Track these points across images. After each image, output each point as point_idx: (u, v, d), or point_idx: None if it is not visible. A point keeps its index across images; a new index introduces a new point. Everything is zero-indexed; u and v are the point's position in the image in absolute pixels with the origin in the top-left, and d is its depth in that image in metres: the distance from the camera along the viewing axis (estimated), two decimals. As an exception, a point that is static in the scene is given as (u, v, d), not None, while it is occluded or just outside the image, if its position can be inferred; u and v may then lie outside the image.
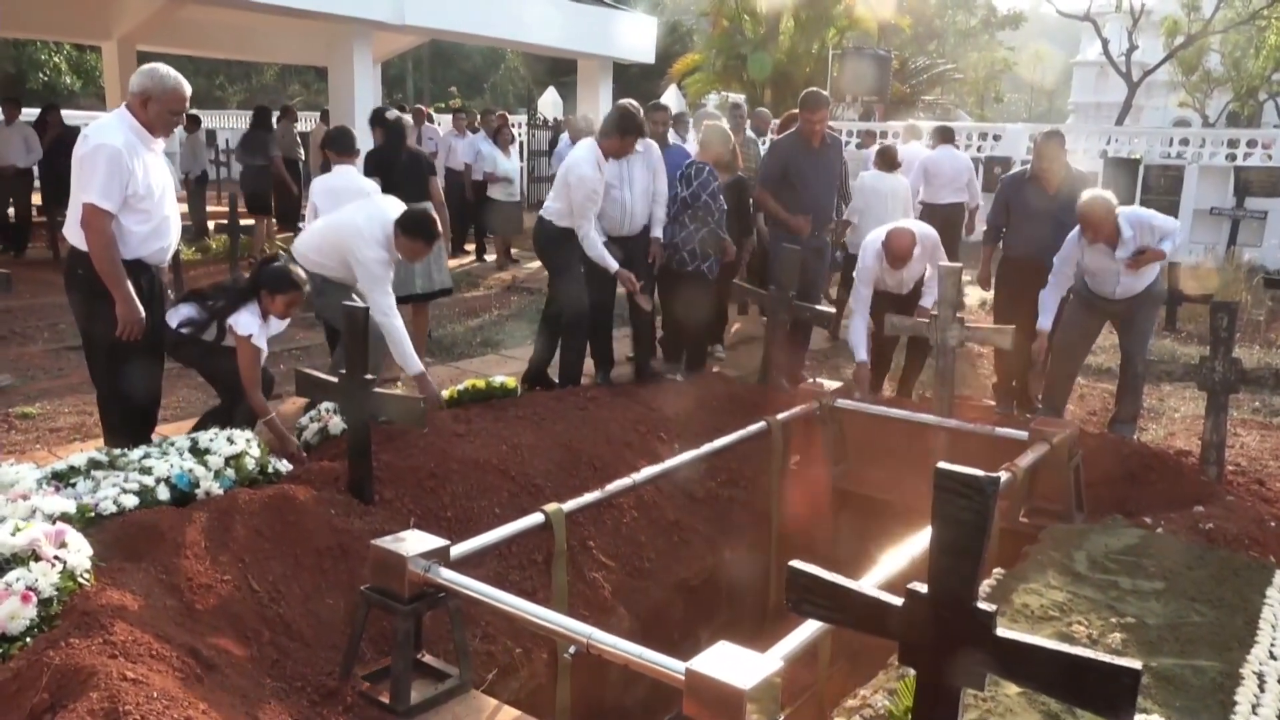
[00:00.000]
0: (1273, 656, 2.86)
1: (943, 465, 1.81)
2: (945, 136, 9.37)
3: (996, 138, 15.11)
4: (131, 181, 3.65)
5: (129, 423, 4.01)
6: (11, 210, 10.74)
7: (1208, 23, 23.27)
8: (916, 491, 4.62)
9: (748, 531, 4.37)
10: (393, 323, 4.42)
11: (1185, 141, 14.09)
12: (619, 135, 5.02)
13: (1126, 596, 3.16)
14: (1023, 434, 4.20)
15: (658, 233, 5.55)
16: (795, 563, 1.99)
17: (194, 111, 14.65)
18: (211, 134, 18.67)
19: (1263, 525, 3.75)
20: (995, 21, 31.64)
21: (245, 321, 3.97)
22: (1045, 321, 5.18)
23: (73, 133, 10.05)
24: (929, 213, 8.35)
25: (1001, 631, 1.77)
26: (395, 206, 4.65)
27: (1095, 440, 4.61)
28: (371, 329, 4.25)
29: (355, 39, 10.32)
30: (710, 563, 4.14)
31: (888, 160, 7.41)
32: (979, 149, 14.98)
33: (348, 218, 4.66)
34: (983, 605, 1.78)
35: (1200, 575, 3.31)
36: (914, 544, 3.03)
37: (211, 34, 14.13)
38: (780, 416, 4.40)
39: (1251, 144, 13.34)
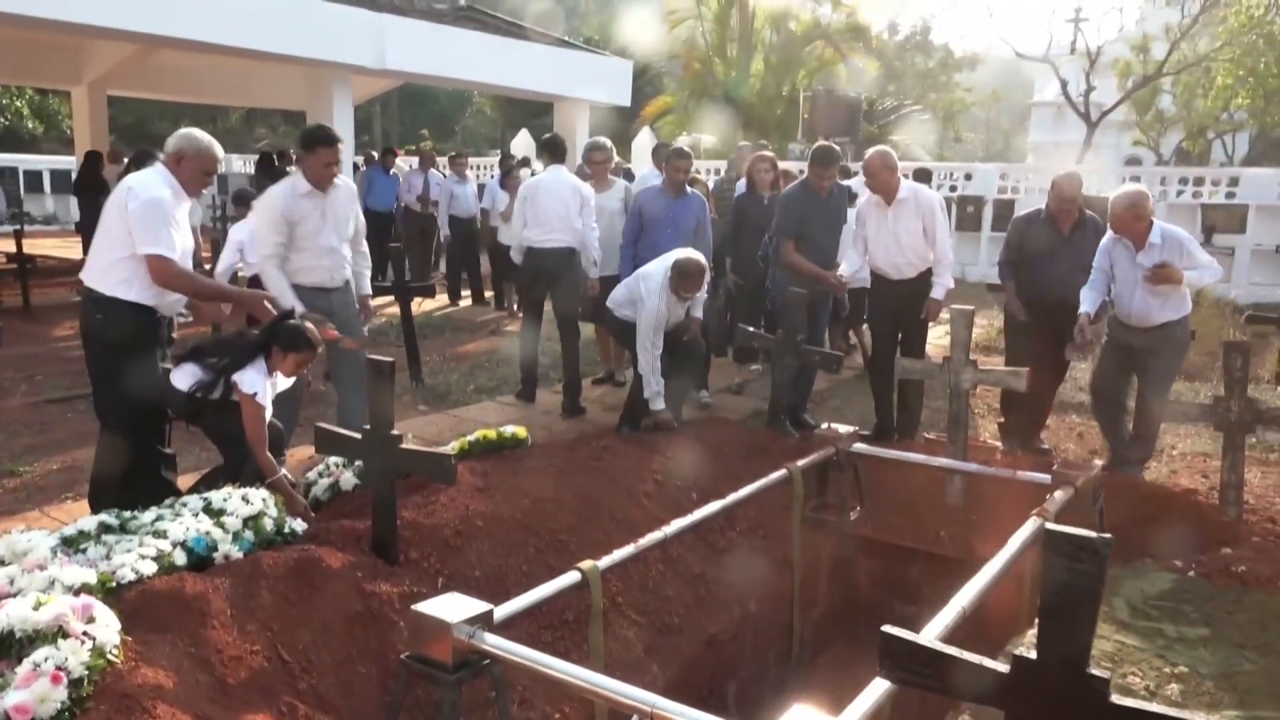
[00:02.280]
0: (1329, 705, 2.83)
1: (1052, 527, 1.75)
2: (922, 177, 9.43)
3: (969, 177, 15.35)
4: None
5: (147, 475, 3.90)
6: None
7: (1161, 64, 23.91)
8: (937, 536, 4.62)
9: (770, 580, 4.29)
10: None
11: (1140, 180, 14.43)
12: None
13: (1174, 645, 3.12)
14: (1044, 477, 4.17)
15: (698, 313, 5.67)
16: (889, 628, 1.92)
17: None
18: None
19: (1292, 566, 3.74)
20: (952, 63, 32.38)
21: (250, 379, 3.83)
22: (1087, 307, 5.12)
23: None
24: None
25: (1117, 698, 1.71)
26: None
27: (1112, 481, 4.60)
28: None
29: (335, 82, 10.28)
30: (736, 615, 4.05)
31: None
32: (951, 188, 15.22)
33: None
34: (1096, 672, 1.73)
35: (1242, 620, 3.29)
36: (964, 595, 2.96)
37: (185, 78, 14.00)
38: (800, 463, 4.34)
39: (1215, 182, 13.67)
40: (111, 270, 3.78)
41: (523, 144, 18.92)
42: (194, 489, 3.97)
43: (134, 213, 3.71)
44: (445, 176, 11.56)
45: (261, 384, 3.85)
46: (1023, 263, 5.68)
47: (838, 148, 6.17)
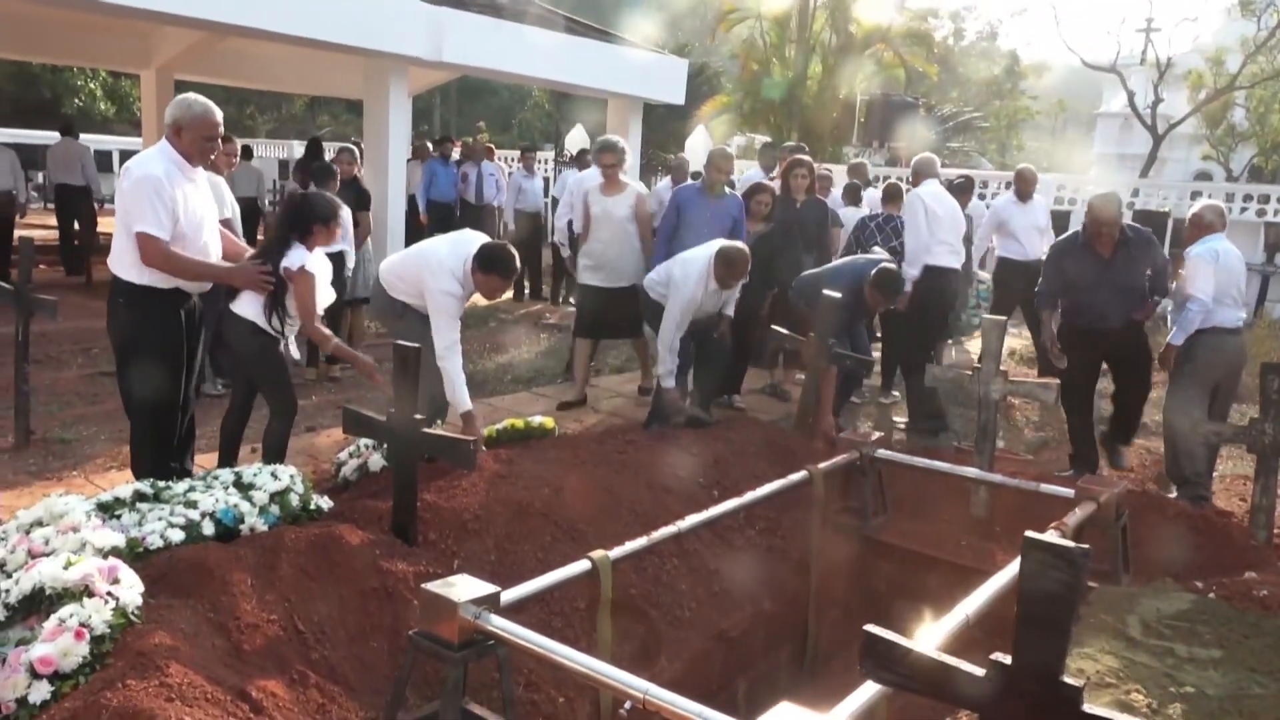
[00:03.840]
0: (1339, 733, 2.79)
1: (1030, 535, 1.77)
2: (963, 188, 8.76)
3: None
4: (174, 209, 3.74)
5: (163, 454, 4.02)
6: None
7: (1234, 78, 23.31)
8: (958, 546, 4.60)
9: (787, 581, 4.31)
10: (450, 360, 4.41)
11: (1203, 194, 14.09)
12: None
13: (1184, 665, 3.09)
14: (1068, 491, 4.14)
15: (729, 311, 5.75)
16: (871, 627, 1.95)
17: (246, 141, 14.94)
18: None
19: (1318, 593, 3.67)
20: (1018, 71, 31.90)
21: (294, 258, 4.09)
22: (1176, 338, 5.18)
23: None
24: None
25: (1089, 708, 1.72)
26: (479, 240, 4.62)
27: (1139, 499, 4.54)
28: (433, 371, 4.29)
29: (392, 74, 10.45)
30: (749, 612, 4.08)
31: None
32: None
33: (432, 245, 4.70)
34: (1069, 680, 1.74)
35: (1258, 645, 3.23)
36: (969, 603, 2.97)
37: (248, 65, 14.34)
38: (822, 466, 4.36)
39: (1281, 200, 13.31)
40: (123, 254, 3.76)
41: (577, 139, 19.06)
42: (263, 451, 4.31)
43: (125, 191, 3.68)
44: (512, 171, 11.74)
45: (304, 257, 4.08)
46: (1065, 291, 5.48)
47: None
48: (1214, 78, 24.41)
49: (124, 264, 3.77)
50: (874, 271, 5.63)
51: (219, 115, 3.90)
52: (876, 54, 20.12)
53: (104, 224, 11.29)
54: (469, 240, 4.60)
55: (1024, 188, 7.91)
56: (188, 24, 9.68)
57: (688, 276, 5.35)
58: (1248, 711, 2.81)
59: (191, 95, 3.88)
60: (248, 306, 4.11)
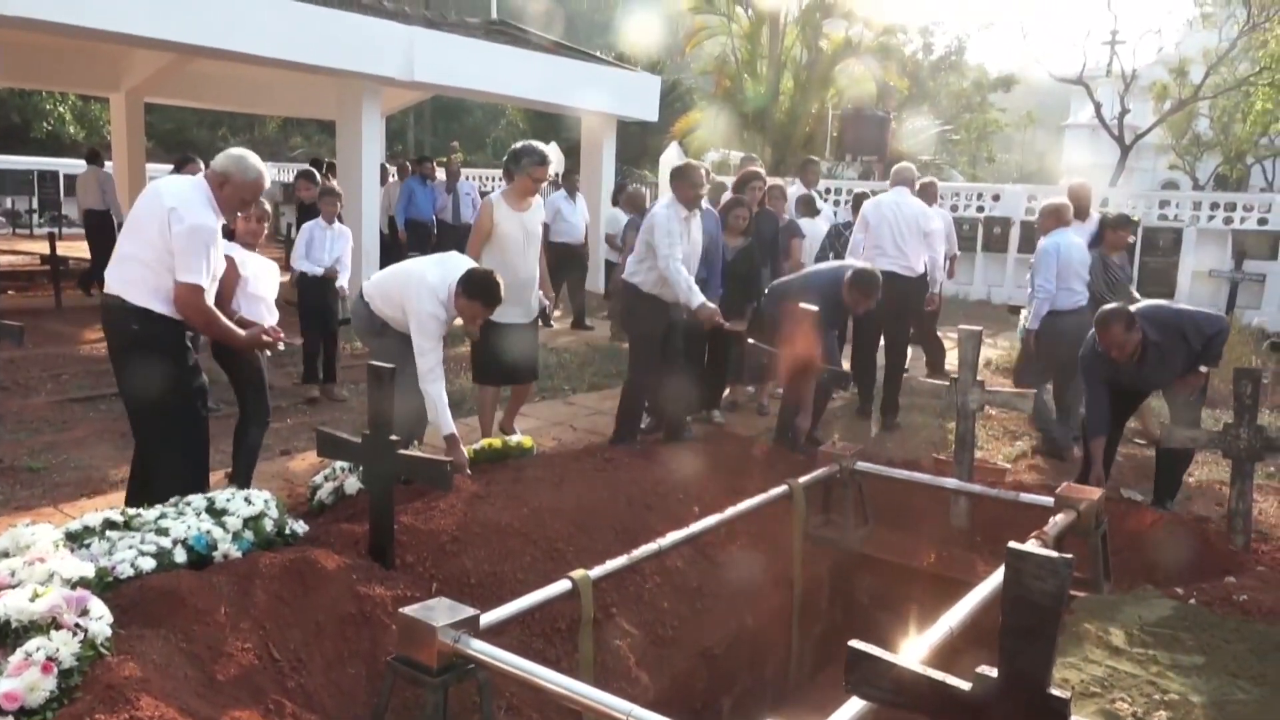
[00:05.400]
0: (1322, 737, 2.79)
1: (1014, 545, 1.76)
2: (928, 194, 8.34)
3: (996, 198, 15.26)
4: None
5: (181, 480, 3.95)
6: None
7: (1197, 88, 23.67)
8: (940, 557, 4.59)
9: (769, 597, 4.29)
10: (433, 383, 4.38)
11: (1171, 203, 14.30)
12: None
13: (1167, 672, 3.09)
14: (1047, 500, 4.14)
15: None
16: (855, 642, 1.93)
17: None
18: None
19: (1296, 597, 3.69)
20: (987, 84, 32.21)
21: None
22: (1032, 324, 5.92)
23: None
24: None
25: (1077, 719, 1.71)
26: (466, 265, 4.62)
27: (1118, 507, 4.56)
28: (412, 387, 4.26)
29: (364, 94, 10.42)
30: (732, 629, 4.05)
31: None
32: (979, 209, 15.15)
33: (419, 267, 4.68)
34: (1056, 691, 1.72)
35: (1239, 650, 3.24)
36: (952, 614, 2.95)
37: (220, 87, 14.27)
38: (802, 480, 4.35)
39: (1248, 208, 13.50)
40: (142, 281, 3.70)
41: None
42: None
43: (179, 236, 3.64)
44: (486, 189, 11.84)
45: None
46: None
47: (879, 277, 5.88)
48: (1178, 88, 24.76)
49: (139, 291, 3.71)
50: (850, 273, 5.69)
51: (267, 183, 3.96)
52: (847, 69, 20.28)
53: (63, 248, 11.47)
54: (455, 265, 4.59)
55: (1080, 206, 6.99)
56: (158, 46, 9.64)
57: (656, 214, 5.45)
58: (1232, 717, 2.81)
59: (249, 155, 3.91)
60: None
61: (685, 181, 5.57)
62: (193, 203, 3.72)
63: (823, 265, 6.54)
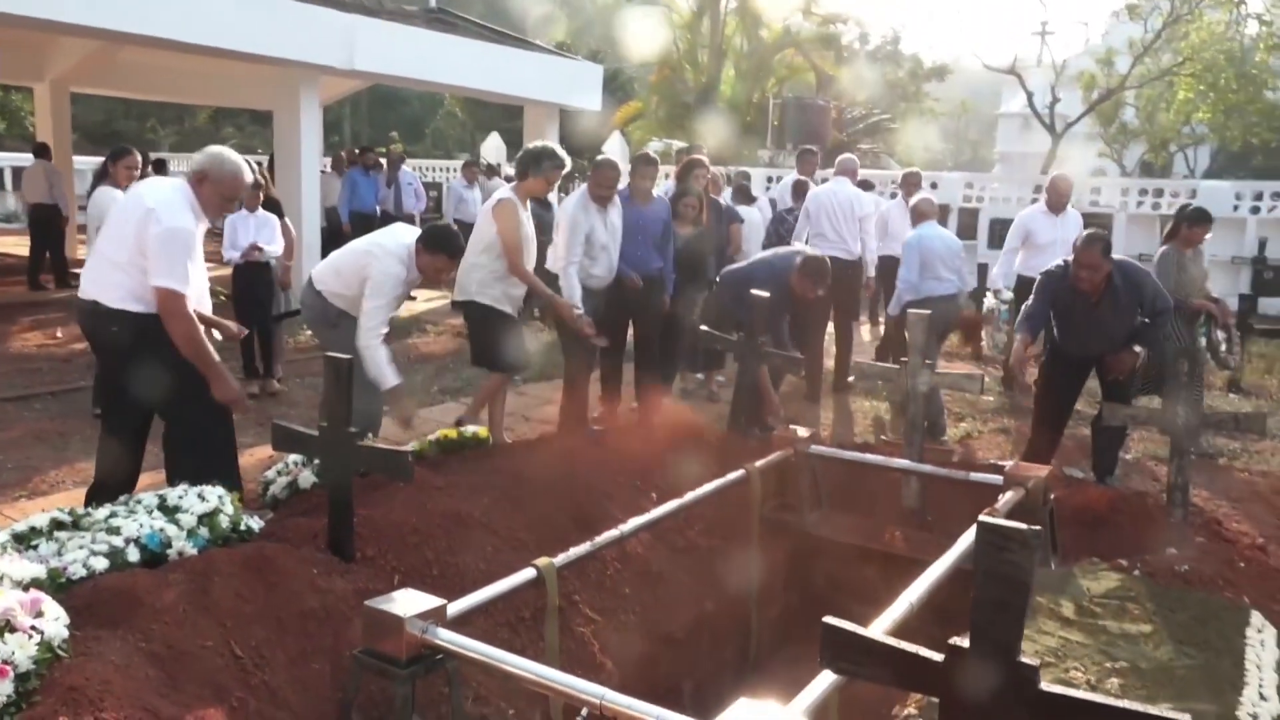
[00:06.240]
0: (1263, 698, 2.92)
1: (984, 518, 1.80)
2: (865, 188, 9.20)
3: (934, 185, 15.52)
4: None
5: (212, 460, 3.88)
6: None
7: (1124, 78, 24.34)
8: (893, 537, 4.67)
9: (729, 580, 4.33)
10: (373, 338, 4.37)
11: (1102, 189, 14.72)
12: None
13: (1117, 641, 3.20)
14: (996, 479, 4.24)
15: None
16: (830, 619, 1.96)
17: (172, 156, 14.42)
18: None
19: (1233, 566, 3.84)
20: (921, 74, 32.75)
21: None
22: (893, 309, 6.54)
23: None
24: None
25: (1046, 686, 1.76)
26: (417, 231, 4.71)
27: (1063, 483, 4.69)
28: (366, 389, 4.21)
29: (303, 83, 10.23)
30: (693, 614, 4.08)
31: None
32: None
33: (373, 237, 4.70)
34: (1026, 660, 1.78)
35: (1183, 618, 3.37)
36: (912, 591, 3.02)
37: (149, 77, 13.87)
38: (759, 464, 4.39)
39: (1174, 194, 13.94)
40: (118, 284, 3.62)
41: (493, 147, 18.93)
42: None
43: (155, 238, 3.54)
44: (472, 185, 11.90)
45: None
46: (1057, 325, 5.27)
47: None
48: (1105, 79, 25.45)
49: (115, 294, 3.63)
50: (800, 260, 5.78)
51: (248, 178, 3.89)
52: (786, 58, 20.43)
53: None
54: (407, 231, 4.70)
55: (1057, 199, 7.32)
56: (84, 34, 9.33)
57: (564, 209, 5.63)
58: (1180, 681, 2.93)
59: (227, 151, 3.83)
60: None
61: (593, 180, 5.62)
62: (173, 204, 3.62)
63: (771, 252, 6.62)
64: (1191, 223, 6.24)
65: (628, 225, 5.95)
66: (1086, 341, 5.19)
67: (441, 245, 4.44)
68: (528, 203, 5.40)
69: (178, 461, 3.87)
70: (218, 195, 3.78)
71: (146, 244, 3.55)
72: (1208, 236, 6.25)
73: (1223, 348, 5.95)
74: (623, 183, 5.90)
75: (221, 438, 3.94)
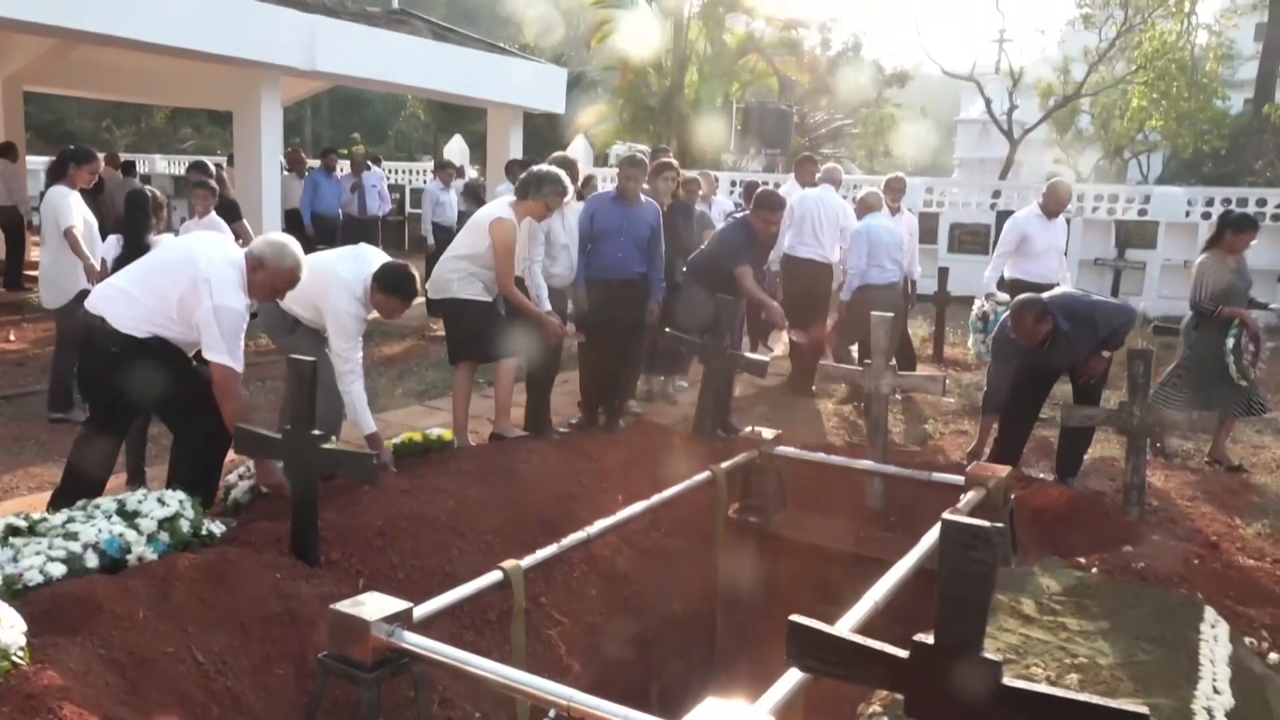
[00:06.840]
0: (1216, 691, 2.98)
1: (949, 516, 1.83)
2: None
3: (894, 190, 15.68)
4: None
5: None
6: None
7: (1079, 86, 24.77)
8: (857, 537, 4.72)
9: (695, 582, 4.35)
10: (352, 382, 4.30)
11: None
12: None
13: (1076, 637, 3.25)
14: (958, 479, 4.30)
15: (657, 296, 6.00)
16: (796, 617, 1.98)
17: (130, 156, 14.05)
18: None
19: (1188, 563, 3.92)
20: (882, 79, 33.06)
21: None
22: (845, 296, 6.97)
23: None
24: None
25: (1009, 681, 1.79)
26: (378, 259, 4.48)
27: (1022, 484, 4.76)
28: (327, 383, 4.15)
29: (263, 84, 10.10)
30: (660, 615, 4.09)
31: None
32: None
33: (328, 262, 4.46)
34: (989, 655, 1.81)
35: (1140, 614, 3.43)
36: (876, 590, 3.05)
37: (106, 76, 13.63)
38: (724, 465, 4.42)
39: (1129, 199, 14.21)
40: (134, 318, 3.65)
41: (456, 149, 18.83)
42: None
43: (210, 312, 3.57)
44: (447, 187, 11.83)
45: None
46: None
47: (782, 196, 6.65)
48: (1061, 86, 25.88)
49: (127, 323, 3.65)
50: (754, 199, 6.29)
51: (303, 274, 3.89)
52: (750, 63, 20.57)
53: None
54: (367, 258, 4.45)
55: (1056, 205, 7.21)
56: (40, 31, 9.14)
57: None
58: (1137, 676, 2.98)
59: (291, 244, 3.86)
60: None
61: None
62: (227, 281, 3.66)
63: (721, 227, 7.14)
64: (1236, 229, 5.94)
65: (610, 226, 5.85)
66: (1053, 373, 5.36)
67: (397, 289, 4.30)
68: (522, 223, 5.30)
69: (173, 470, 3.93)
70: (269, 285, 3.83)
71: (191, 310, 3.61)
72: (1253, 243, 6.07)
73: (1245, 358, 5.90)
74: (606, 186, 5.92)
75: (219, 450, 3.93)
